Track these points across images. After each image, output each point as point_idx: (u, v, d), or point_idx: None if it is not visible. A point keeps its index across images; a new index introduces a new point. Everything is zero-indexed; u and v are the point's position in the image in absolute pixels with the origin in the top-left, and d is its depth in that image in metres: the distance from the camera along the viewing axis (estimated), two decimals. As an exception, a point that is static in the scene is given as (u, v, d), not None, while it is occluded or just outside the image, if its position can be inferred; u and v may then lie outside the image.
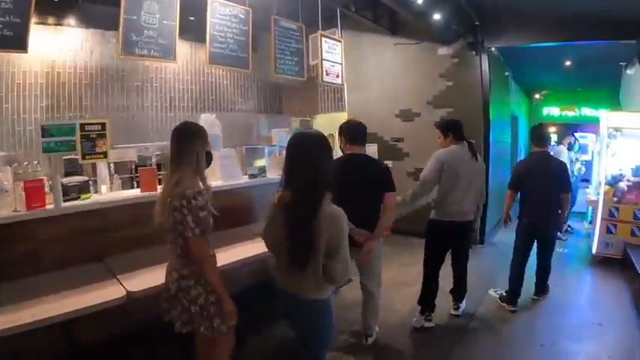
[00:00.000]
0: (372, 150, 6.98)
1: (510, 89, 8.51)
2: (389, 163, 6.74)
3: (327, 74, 5.57)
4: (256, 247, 2.82)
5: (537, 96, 12.37)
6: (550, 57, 7.21)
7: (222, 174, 3.66)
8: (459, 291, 3.73)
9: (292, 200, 1.68)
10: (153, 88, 7.10)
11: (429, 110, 6.42)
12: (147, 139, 5.54)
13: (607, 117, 5.64)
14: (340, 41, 5.79)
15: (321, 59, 5.45)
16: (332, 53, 5.66)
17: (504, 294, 3.96)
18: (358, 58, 7.17)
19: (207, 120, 3.83)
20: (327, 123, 6.67)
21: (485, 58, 5.90)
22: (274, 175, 3.96)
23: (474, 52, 5.87)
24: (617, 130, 5.34)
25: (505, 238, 5.00)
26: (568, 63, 7.48)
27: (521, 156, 10.28)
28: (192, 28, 4.72)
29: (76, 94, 6.08)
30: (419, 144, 6.49)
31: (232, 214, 3.41)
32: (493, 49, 5.94)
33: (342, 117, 7.09)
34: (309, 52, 5.69)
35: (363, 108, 7.12)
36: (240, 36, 4.45)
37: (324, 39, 5.50)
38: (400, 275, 4.69)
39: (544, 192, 3.72)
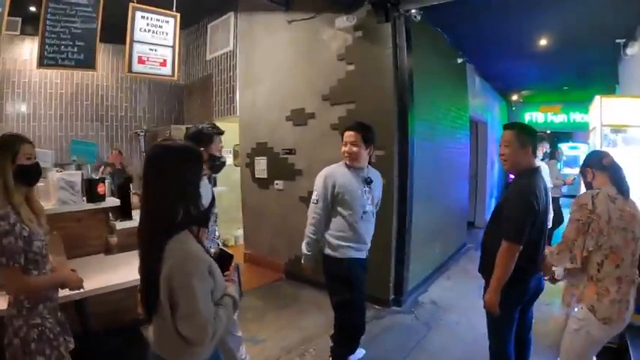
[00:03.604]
0: (260, 166, 5.08)
1: (470, 83, 6.48)
2: (279, 183, 4.77)
3: (142, 62, 4.04)
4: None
5: (515, 97, 10.27)
6: (519, 34, 5.19)
7: (58, 197, 3.00)
8: None
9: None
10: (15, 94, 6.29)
11: (325, 108, 4.44)
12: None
13: (601, 106, 3.59)
14: (173, 16, 4.09)
15: (131, 41, 3.97)
16: (155, 33, 4.10)
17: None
18: (250, 46, 5.41)
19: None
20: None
21: (401, 27, 3.88)
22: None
23: (383, 18, 3.85)
24: (617, 131, 3.47)
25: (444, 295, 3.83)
26: (543, 42, 5.42)
27: (490, 175, 8.23)
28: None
29: None
30: (314, 157, 4.48)
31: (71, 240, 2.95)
32: (413, 11, 3.88)
33: (234, 124, 5.54)
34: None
35: (254, 109, 5.37)
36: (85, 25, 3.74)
37: (138, 13, 4.02)
38: None
39: (543, 234, 2.29)
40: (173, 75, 4.22)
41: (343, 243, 2.62)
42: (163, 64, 4.15)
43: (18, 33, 6.03)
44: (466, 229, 6.53)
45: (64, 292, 2.01)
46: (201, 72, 6.96)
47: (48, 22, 3.74)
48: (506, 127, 2.34)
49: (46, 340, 1.78)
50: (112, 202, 3.24)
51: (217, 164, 2.46)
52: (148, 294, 1.33)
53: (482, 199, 7.95)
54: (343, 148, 2.64)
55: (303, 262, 2.69)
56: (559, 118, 10.96)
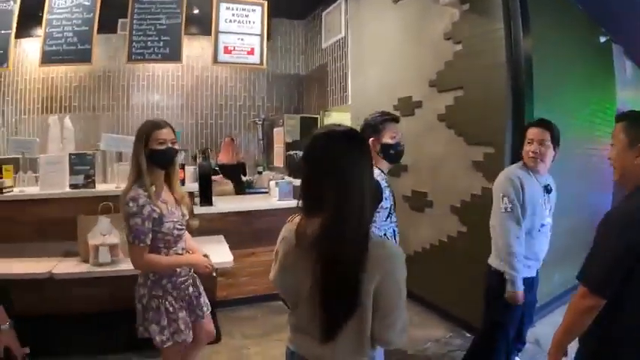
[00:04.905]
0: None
1: (618, 70, 5.27)
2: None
3: (228, 52, 4.30)
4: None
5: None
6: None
7: (42, 181, 3.18)
8: None
9: (324, 234, 1.12)
10: (140, 86, 6.75)
11: (433, 96, 3.86)
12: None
13: None
14: (260, 4, 3.97)
15: (216, 32, 4.23)
16: (240, 22, 4.32)
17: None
18: (360, 31, 5.08)
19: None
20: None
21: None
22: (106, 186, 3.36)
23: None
24: None
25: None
26: None
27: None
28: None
29: None
30: (420, 152, 3.94)
31: (47, 226, 3.17)
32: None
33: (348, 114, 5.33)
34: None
35: (364, 98, 5.02)
36: (82, 26, 4.28)
37: (223, 4, 4.29)
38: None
39: None
40: (261, 63, 4.13)
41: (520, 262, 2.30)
42: (250, 52, 4.08)
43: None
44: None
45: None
46: (318, 61, 6.89)
47: (135, 20, 3.92)
48: (617, 118, 1.61)
49: (163, 311, 1.93)
50: (192, 187, 3.44)
51: (391, 153, 2.19)
52: (341, 311, 1.15)
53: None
54: (527, 148, 2.36)
55: (508, 289, 2.30)
56: None
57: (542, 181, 2.39)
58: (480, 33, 3.31)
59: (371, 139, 2.12)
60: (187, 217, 2.08)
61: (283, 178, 3.80)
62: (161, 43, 4.22)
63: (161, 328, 1.92)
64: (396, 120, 2.22)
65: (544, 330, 3.39)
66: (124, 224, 1.87)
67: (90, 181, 3.16)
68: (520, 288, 2.27)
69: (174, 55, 4.15)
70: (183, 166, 3.30)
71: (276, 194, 3.55)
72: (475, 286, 3.23)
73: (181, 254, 2.05)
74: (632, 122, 1.52)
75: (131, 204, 1.81)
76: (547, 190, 2.40)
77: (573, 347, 1.58)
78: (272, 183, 3.64)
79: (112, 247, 2.63)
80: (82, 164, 3.15)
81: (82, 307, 2.99)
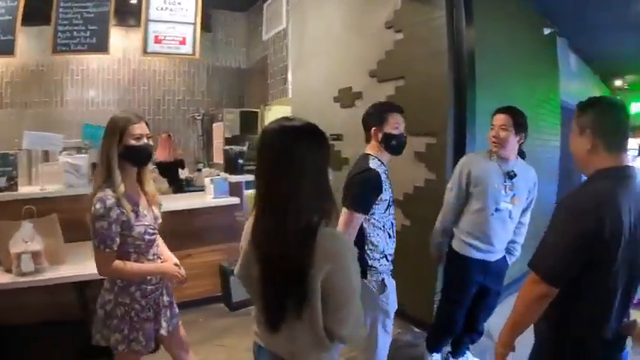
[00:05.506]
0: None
1: (562, 62, 5.37)
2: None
3: (159, 41, 4.03)
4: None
5: (619, 83, 8.61)
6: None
7: (65, 180, 3.07)
8: None
9: (266, 231, 1.17)
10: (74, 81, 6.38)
11: (373, 86, 3.74)
12: None
13: None
14: None
15: (146, 20, 3.97)
16: (172, 10, 4.03)
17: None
18: (301, 20, 4.88)
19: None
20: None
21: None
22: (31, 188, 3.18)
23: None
24: None
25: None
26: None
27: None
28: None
29: None
30: (361, 145, 3.79)
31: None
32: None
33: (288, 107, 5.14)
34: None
35: (305, 91, 4.86)
36: (5, 15, 3.97)
37: None
38: None
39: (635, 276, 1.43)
40: (194, 53, 3.83)
41: (465, 239, 2.44)
42: (183, 42, 3.83)
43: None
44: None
45: (61, 274, 2.15)
46: (260, 54, 6.70)
47: (61, 8, 3.63)
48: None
49: (128, 320, 1.82)
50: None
51: (393, 144, 2.13)
52: (278, 298, 1.17)
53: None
54: (490, 133, 2.40)
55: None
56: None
57: (505, 167, 2.39)
58: (422, 21, 3.20)
59: (373, 129, 2.10)
60: (160, 221, 1.95)
61: (219, 175, 3.58)
62: (88, 33, 3.91)
63: (123, 336, 1.82)
64: (400, 110, 2.18)
65: (495, 321, 3.19)
66: (90, 227, 1.72)
67: (12, 184, 2.96)
68: (435, 247, 2.58)
69: (102, 46, 3.85)
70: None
71: (211, 192, 3.34)
72: (422, 280, 3.15)
73: (152, 260, 1.92)
74: (580, 111, 1.49)
75: (98, 205, 1.68)
76: (509, 175, 2.39)
77: (520, 342, 1.51)
78: (207, 180, 3.42)
79: (36, 255, 2.41)
80: (4, 165, 2.93)
81: (14, 319, 2.76)
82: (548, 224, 1.44)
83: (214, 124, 6.48)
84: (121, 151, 1.76)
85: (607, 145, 1.39)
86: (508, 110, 2.37)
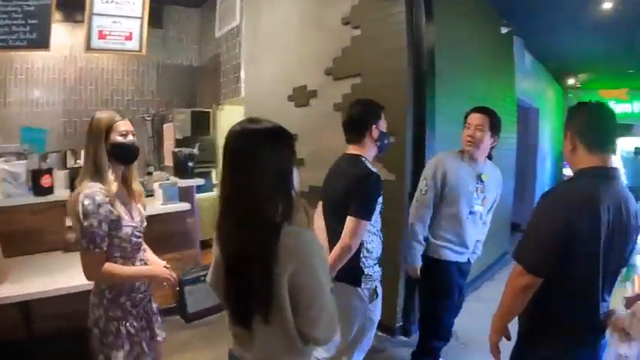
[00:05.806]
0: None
1: (518, 60, 5.46)
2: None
3: (103, 37, 3.73)
4: None
5: (572, 81, 8.90)
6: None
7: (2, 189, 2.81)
8: None
9: (229, 225, 1.16)
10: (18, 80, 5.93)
11: (329, 84, 3.64)
12: None
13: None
14: None
15: (89, 14, 3.64)
16: (118, 4, 3.70)
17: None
18: (255, 16, 4.71)
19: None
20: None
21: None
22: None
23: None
24: None
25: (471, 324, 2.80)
26: (607, 6, 4.29)
27: (541, 170, 7.05)
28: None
29: None
30: (317, 144, 3.70)
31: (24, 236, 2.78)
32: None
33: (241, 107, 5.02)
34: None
35: (258, 89, 4.70)
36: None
37: None
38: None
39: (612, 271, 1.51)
40: (140, 49, 3.60)
41: (441, 243, 2.38)
42: (128, 37, 3.59)
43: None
44: (509, 234, 5.50)
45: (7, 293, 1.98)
46: (212, 51, 6.46)
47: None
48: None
49: (124, 334, 1.73)
50: (65, 194, 2.87)
51: (386, 143, 2.11)
52: (242, 298, 1.16)
53: (531, 199, 6.84)
54: (464, 132, 2.36)
55: (407, 262, 2.46)
56: (621, 108, 9.32)
57: (477, 169, 2.37)
58: (381, 17, 3.13)
59: (373, 126, 2.04)
60: (145, 224, 1.85)
61: (168, 179, 3.37)
62: (27, 28, 3.60)
63: (125, 353, 1.73)
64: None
65: (460, 319, 2.94)
66: (77, 227, 1.61)
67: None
68: (415, 263, 2.38)
69: (42, 42, 3.55)
70: (50, 171, 2.93)
71: (160, 197, 3.13)
72: (385, 283, 3.06)
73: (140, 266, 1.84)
74: (567, 114, 1.58)
75: (86, 202, 1.57)
76: (479, 178, 2.37)
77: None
78: (156, 185, 3.20)
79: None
80: None
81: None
82: (530, 219, 1.52)
83: (165, 125, 6.19)
84: (107, 149, 1.69)
85: (587, 146, 1.46)
86: (484, 110, 2.35)
